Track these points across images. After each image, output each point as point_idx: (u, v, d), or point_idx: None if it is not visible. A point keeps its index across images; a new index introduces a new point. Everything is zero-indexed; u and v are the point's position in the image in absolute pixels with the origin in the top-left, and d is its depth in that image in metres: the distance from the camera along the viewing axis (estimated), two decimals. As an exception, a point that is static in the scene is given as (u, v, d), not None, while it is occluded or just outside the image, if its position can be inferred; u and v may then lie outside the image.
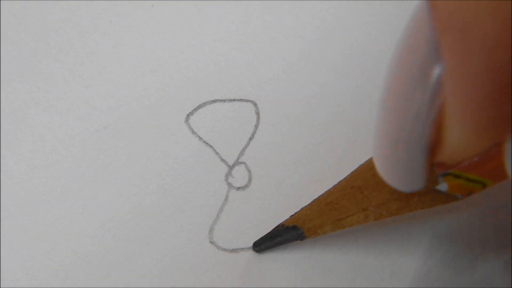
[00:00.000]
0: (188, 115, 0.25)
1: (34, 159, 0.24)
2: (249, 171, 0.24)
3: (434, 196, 0.19)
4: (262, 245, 0.22)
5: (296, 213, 0.22)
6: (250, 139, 0.24)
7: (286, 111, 0.25)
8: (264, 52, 0.26)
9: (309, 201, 0.22)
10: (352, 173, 0.21)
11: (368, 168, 0.20)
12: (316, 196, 0.21)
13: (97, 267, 0.22)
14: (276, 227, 0.22)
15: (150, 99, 0.25)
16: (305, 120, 0.24)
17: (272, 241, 0.22)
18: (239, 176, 0.24)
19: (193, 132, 0.24)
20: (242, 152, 0.24)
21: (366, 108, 0.24)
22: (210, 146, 0.24)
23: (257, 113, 0.25)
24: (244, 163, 0.24)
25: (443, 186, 0.18)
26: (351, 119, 0.24)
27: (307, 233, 0.22)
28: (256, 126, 0.24)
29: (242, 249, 0.22)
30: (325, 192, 0.21)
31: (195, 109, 0.25)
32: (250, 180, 0.24)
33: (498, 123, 0.14)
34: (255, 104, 0.25)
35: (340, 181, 0.21)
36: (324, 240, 0.23)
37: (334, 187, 0.21)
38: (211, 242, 0.23)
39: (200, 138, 0.24)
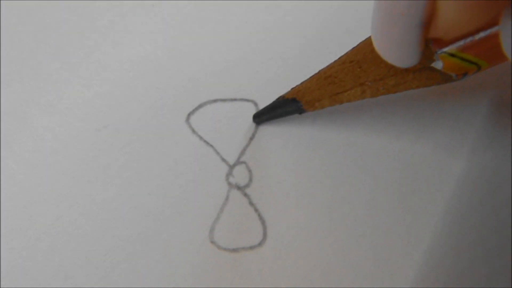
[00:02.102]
0: (189, 115, 0.25)
1: (34, 159, 0.24)
2: (249, 170, 0.24)
3: (429, 74, 0.19)
4: (262, 116, 0.23)
5: (296, 86, 0.22)
6: (251, 138, 0.24)
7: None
8: (264, 52, 0.26)
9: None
10: (352, 48, 0.21)
11: (368, 44, 0.20)
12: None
13: (97, 267, 0.22)
14: (276, 99, 0.23)
15: (150, 99, 0.25)
16: (306, 120, 0.24)
17: (272, 112, 0.23)
18: (239, 175, 0.24)
19: (193, 131, 0.24)
20: (242, 152, 0.24)
21: (365, 106, 0.24)
22: (211, 145, 0.24)
23: (258, 113, 0.25)
24: (244, 162, 0.24)
25: (438, 64, 0.18)
26: (351, 119, 0.24)
27: (306, 106, 0.22)
28: (257, 126, 0.24)
29: (242, 248, 0.22)
30: (325, 66, 0.22)
31: (196, 109, 0.25)
32: (250, 179, 0.24)
33: (489, 1, 0.15)
34: (255, 104, 0.25)
35: (341, 56, 0.22)
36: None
37: (334, 62, 0.22)
38: (212, 242, 0.23)
39: (201, 138, 0.24)
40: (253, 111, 0.25)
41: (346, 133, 0.24)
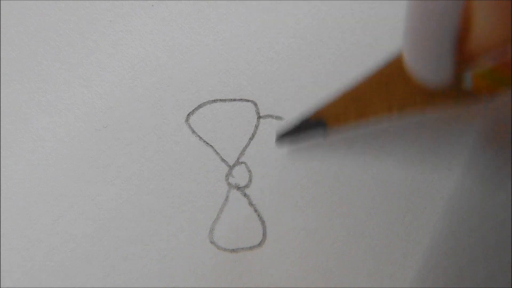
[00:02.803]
0: (189, 115, 0.25)
1: (34, 159, 0.24)
2: (249, 171, 0.24)
3: (458, 95, 0.19)
4: (287, 138, 0.22)
5: (321, 106, 0.22)
6: (251, 139, 0.24)
7: (286, 111, 0.25)
8: (264, 52, 0.26)
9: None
10: (379, 67, 0.21)
11: (394, 63, 0.20)
12: None
13: (97, 267, 0.22)
14: (300, 120, 0.22)
15: (150, 99, 0.25)
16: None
17: (295, 134, 0.22)
18: (239, 176, 0.24)
19: (193, 132, 0.24)
20: (242, 152, 0.24)
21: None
22: (211, 146, 0.24)
23: (257, 113, 0.25)
24: (244, 163, 0.24)
25: (468, 84, 0.18)
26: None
27: (330, 121, 0.22)
28: (257, 126, 0.24)
29: (242, 249, 0.22)
30: (351, 86, 0.21)
31: (196, 109, 0.25)
32: (250, 180, 0.24)
33: None
34: (255, 104, 0.25)
35: (367, 75, 0.21)
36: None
37: (359, 81, 0.21)
38: (212, 242, 0.23)
39: (201, 138, 0.24)
40: (253, 111, 0.25)
41: (346, 133, 0.24)
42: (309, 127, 0.22)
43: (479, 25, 0.15)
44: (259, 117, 0.25)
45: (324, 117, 0.22)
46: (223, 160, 0.24)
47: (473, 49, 0.16)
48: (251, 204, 0.23)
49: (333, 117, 0.22)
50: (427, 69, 0.18)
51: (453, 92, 0.19)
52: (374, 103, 0.21)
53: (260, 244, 0.22)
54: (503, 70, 0.17)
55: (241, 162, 0.24)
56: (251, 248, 0.22)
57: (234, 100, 0.25)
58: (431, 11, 0.15)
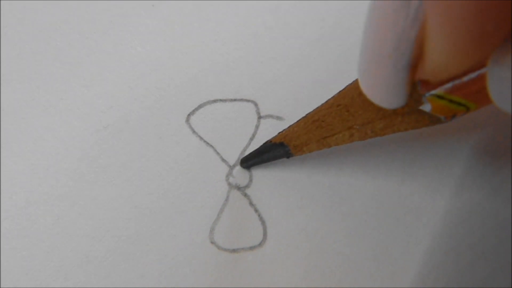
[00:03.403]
0: (189, 115, 0.25)
1: (34, 159, 0.24)
2: (249, 171, 0.24)
3: (418, 117, 0.19)
4: (250, 161, 0.23)
5: (283, 130, 0.22)
6: (251, 139, 0.24)
7: (286, 111, 0.25)
8: (264, 52, 0.26)
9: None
10: (339, 92, 0.21)
11: (355, 87, 0.20)
12: None
13: (97, 267, 0.22)
14: (264, 143, 0.23)
15: (150, 99, 0.25)
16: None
17: (260, 157, 0.23)
18: (239, 176, 0.24)
19: (193, 132, 0.24)
20: (242, 152, 0.24)
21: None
22: (211, 146, 0.24)
23: (258, 113, 0.25)
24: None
25: (426, 107, 0.18)
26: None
27: (294, 150, 0.22)
28: (257, 126, 0.24)
29: (242, 249, 0.22)
30: (313, 110, 0.22)
31: (196, 109, 0.25)
32: (250, 180, 0.24)
33: (477, 43, 0.14)
34: (255, 104, 0.25)
35: (328, 100, 0.21)
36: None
37: (321, 105, 0.21)
38: (212, 242, 0.23)
39: (201, 138, 0.24)
40: (254, 111, 0.25)
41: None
42: (272, 149, 0.23)
43: (432, 56, 0.15)
44: (259, 117, 0.25)
45: (286, 141, 0.22)
46: (223, 160, 0.24)
47: (427, 77, 0.17)
48: (251, 204, 0.23)
49: (295, 141, 0.22)
50: (381, 95, 0.18)
51: (414, 115, 0.19)
52: (335, 127, 0.21)
53: (260, 244, 0.23)
54: (458, 94, 0.17)
55: (242, 162, 0.24)
56: (251, 248, 0.22)
57: (234, 100, 0.25)
58: (385, 41, 0.15)
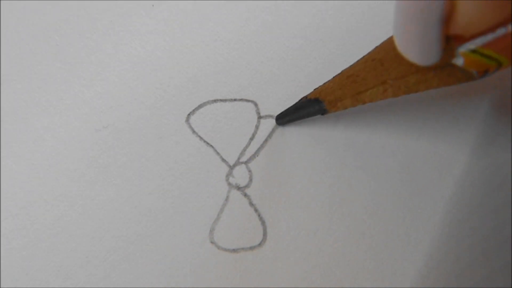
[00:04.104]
0: (189, 115, 0.25)
1: (34, 159, 0.24)
2: (249, 171, 0.24)
3: (450, 72, 0.19)
4: (285, 117, 0.23)
5: (318, 86, 0.22)
6: (251, 139, 0.24)
7: (286, 111, 0.25)
8: (264, 52, 0.26)
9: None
10: (375, 48, 0.21)
11: (390, 42, 0.20)
12: None
13: (97, 267, 0.22)
14: (299, 100, 0.23)
15: (150, 99, 0.25)
16: (306, 121, 0.24)
17: (295, 114, 0.23)
18: (239, 176, 0.24)
19: (193, 132, 0.24)
20: (242, 152, 0.24)
21: (365, 107, 0.24)
22: (211, 146, 0.24)
23: (258, 113, 0.25)
24: (244, 163, 0.24)
25: (459, 61, 0.18)
26: (351, 120, 0.24)
27: (328, 106, 0.22)
28: (257, 126, 0.24)
29: (242, 249, 0.22)
30: (348, 66, 0.22)
31: (196, 109, 0.25)
32: (250, 180, 0.24)
33: None
34: (255, 104, 0.25)
35: (363, 56, 0.21)
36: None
37: (357, 61, 0.22)
38: (212, 242, 0.23)
39: (201, 138, 0.24)
40: (254, 111, 0.25)
41: (346, 133, 0.24)
42: (307, 105, 0.23)
43: (463, 10, 0.16)
44: (259, 117, 0.25)
45: (321, 97, 0.22)
46: (223, 160, 0.24)
47: (459, 31, 0.17)
48: (251, 204, 0.23)
49: (330, 96, 0.22)
50: (416, 51, 0.18)
51: (446, 71, 0.19)
52: (369, 81, 0.21)
53: (260, 244, 0.23)
54: (491, 48, 0.17)
55: (242, 162, 0.24)
56: (251, 248, 0.22)
57: (235, 100, 0.25)
58: None
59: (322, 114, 0.22)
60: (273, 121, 0.24)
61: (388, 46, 0.20)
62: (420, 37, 0.17)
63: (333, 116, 0.24)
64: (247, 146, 0.24)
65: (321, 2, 0.27)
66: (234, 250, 0.22)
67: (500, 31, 0.16)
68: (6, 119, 0.25)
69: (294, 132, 0.24)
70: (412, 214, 0.23)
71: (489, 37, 0.17)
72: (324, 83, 0.22)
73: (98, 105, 0.25)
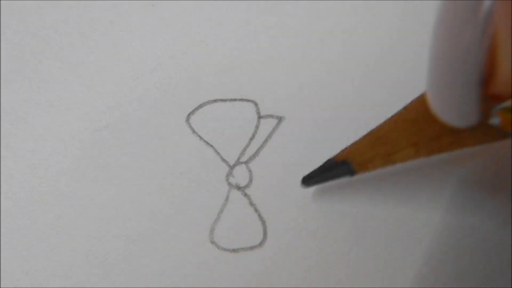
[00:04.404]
0: (189, 115, 0.25)
1: (34, 159, 0.24)
2: (249, 171, 0.24)
3: (486, 131, 0.19)
4: (312, 180, 0.22)
5: (345, 147, 0.21)
6: (251, 139, 0.24)
7: (286, 111, 0.25)
8: (264, 52, 0.26)
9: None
10: (404, 107, 0.20)
11: (420, 102, 0.19)
12: None
13: (97, 267, 0.22)
14: (326, 161, 0.22)
15: (150, 99, 0.25)
16: (306, 121, 0.24)
17: (321, 176, 0.22)
18: (240, 176, 0.24)
19: (193, 132, 0.24)
20: (243, 152, 0.24)
21: (366, 108, 0.24)
22: (211, 146, 0.24)
23: (258, 113, 0.25)
24: (245, 163, 0.24)
25: (495, 120, 0.18)
26: (351, 120, 0.24)
27: (357, 167, 0.21)
28: (257, 126, 0.24)
29: (242, 249, 0.22)
30: (377, 126, 0.21)
31: (196, 109, 0.25)
32: (250, 180, 0.24)
33: None
34: (255, 104, 0.25)
35: (392, 115, 0.21)
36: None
37: (386, 121, 0.21)
38: (212, 242, 0.23)
39: (201, 138, 0.24)
40: (253, 111, 0.25)
41: (347, 135, 0.24)
42: (335, 167, 0.22)
43: (505, 67, 0.15)
44: (259, 117, 0.25)
45: (349, 158, 0.21)
46: (223, 160, 0.24)
47: (498, 92, 0.16)
48: (251, 204, 0.23)
49: (359, 157, 0.21)
50: (452, 112, 0.17)
51: (481, 130, 0.19)
52: (400, 143, 0.20)
53: (260, 244, 0.23)
54: None
55: (242, 162, 0.24)
56: (251, 248, 0.22)
57: (235, 100, 0.25)
58: (454, 55, 0.15)
59: (351, 175, 0.21)
60: (273, 121, 0.24)
61: (419, 106, 0.20)
62: (457, 99, 0.16)
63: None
64: (247, 146, 0.24)
65: (321, 2, 0.27)
66: (234, 250, 0.22)
67: None
68: (6, 119, 0.25)
69: (294, 132, 0.24)
70: (412, 214, 0.23)
71: None
72: (352, 144, 0.21)
73: (98, 105, 0.25)
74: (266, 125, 0.24)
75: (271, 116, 0.25)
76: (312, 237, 0.22)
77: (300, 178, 0.22)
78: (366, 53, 0.26)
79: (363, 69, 0.25)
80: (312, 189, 0.23)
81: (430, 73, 0.17)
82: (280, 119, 0.25)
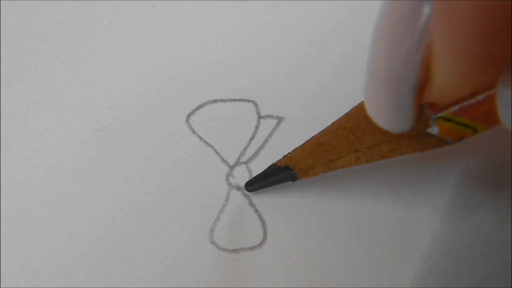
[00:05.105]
0: (189, 115, 0.25)
1: (34, 159, 0.24)
2: (249, 171, 0.24)
3: (425, 140, 0.19)
4: (255, 184, 0.23)
5: (288, 153, 0.22)
6: (251, 139, 0.24)
7: (286, 111, 0.25)
8: (264, 52, 0.26)
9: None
10: (345, 114, 0.21)
11: (360, 109, 0.20)
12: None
13: (97, 267, 0.22)
14: (269, 167, 0.23)
15: (150, 99, 0.25)
16: (306, 121, 0.24)
17: (264, 180, 0.23)
18: (239, 176, 0.24)
19: (193, 132, 0.24)
20: (242, 153, 0.24)
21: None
22: (211, 146, 0.24)
23: (258, 113, 0.25)
24: (245, 163, 0.24)
25: (434, 129, 0.18)
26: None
27: (299, 173, 0.22)
28: (257, 126, 0.24)
29: (242, 249, 0.22)
30: (318, 133, 0.21)
31: (196, 109, 0.25)
32: (250, 180, 0.24)
33: (485, 65, 0.14)
34: (255, 104, 0.25)
35: (333, 123, 0.21)
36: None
37: (327, 128, 0.21)
38: (212, 243, 0.23)
39: (201, 138, 0.24)
40: (254, 111, 0.25)
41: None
42: (277, 173, 0.22)
43: (439, 78, 0.15)
44: (259, 117, 0.25)
45: (292, 164, 0.22)
46: (223, 160, 0.24)
47: (434, 100, 0.16)
48: (251, 204, 0.23)
49: (300, 164, 0.22)
50: (388, 119, 0.17)
51: (420, 138, 0.19)
52: (341, 150, 0.21)
53: (260, 244, 0.23)
54: (465, 116, 0.17)
55: (242, 162, 0.24)
56: (251, 248, 0.22)
57: (234, 100, 0.25)
58: (391, 63, 0.15)
59: (293, 180, 0.22)
60: (273, 121, 0.24)
61: (359, 114, 0.20)
62: (393, 105, 0.16)
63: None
64: (247, 146, 0.24)
65: (321, 2, 0.27)
66: (234, 250, 0.22)
67: (476, 99, 0.16)
68: (6, 119, 0.25)
69: (294, 133, 0.24)
70: (412, 214, 0.23)
71: (464, 104, 0.16)
72: (294, 150, 0.22)
73: (98, 105, 0.25)
74: (266, 125, 0.24)
75: (271, 116, 0.25)
76: (312, 237, 0.22)
77: (302, 183, 0.22)
78: (366, 53, 0.26)
79: (363, 69, 0.25)
80: (313, 189, 0.23)
81: (366, 80, 0.17)
82: (280, 119, 0.25)
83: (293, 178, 0.22)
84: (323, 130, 0.21)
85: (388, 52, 0.15)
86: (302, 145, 0.22)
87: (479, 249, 0.22)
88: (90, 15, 0.27)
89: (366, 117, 0.19)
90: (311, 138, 0.22)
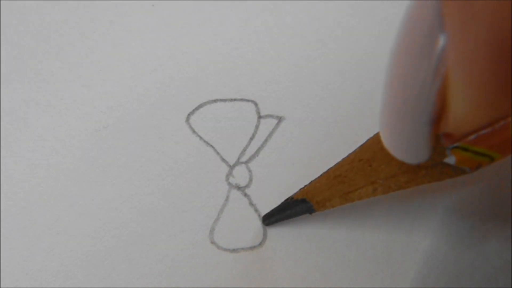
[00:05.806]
0: (189, 115, 0.25)
1: (34, 159, 0.24)
2: (249, 171, 0.24)
3: (442, 169, 0.19)
4: (272, 218, 0.22)
5: (305, 186, 0.22)
6: (251, 139, 0.24)
7: (286, 111, 0.25)
8: (264, 52, 0.26)
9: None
10: (361, 146, 0.21)
11: (377, 141, 0.20)
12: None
13: (97, 267, 0.22)
14: (286, 200, 0.22)
15: (150, 99, 0.25)
16: (306, 121, 0.24)
17: (281, 214, 0.22)
18: (239, 176, 0.24)
19: (193, 132, 0.24)
20: (242, 152, 0.24)
21: (367, 108, 0.24)
22: (211, 146, 0.24)
23: (258, 113, 0.25)
24: (244, 163, 0.24)
25: (451, 159, 0.18)
26: (351, 120, 0.24)
27: (316, 206, 0.22)
28: (257, 126, 0.24)
29: (242, 249, 0.22)
30: (334, 165, 0.21)
31: (196, 109, 0.25)
32: (250, 180, 0.24)
33: (502, 93, 0.14)
34: (255, 104, 0.25)
35: (349, 154, 0.21)
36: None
37: (343, 160, 0.21)
38: (212, 242, 0.23)
39: (201, 138, 0.24)
40: (253, 111, 0.25)
41: (347, 135, 0.24)
42: (294, 205, 0.22)
43: (456, 108, 0.15)
44: (259, 117, 0.25)
45: (308, 197, 0.22)
46: (223, 160, 0.24)
47: (451, 130, 0.16)
48: (251, 204, 0.23)
49: (317, 196, 0.22)
50: (404, 150, 0.17)
51: (438, 168, 0.19)
52: (357, 182, 0.21)
53: (260, 244, 0.23)
54: (483, 145, 0.16)
55: (242, 162, 0.24)
56: (251, 248, 0.22)
57: (235, 100, 0.25)
58: (407, 94, 0.15)
59: (310, 213, 0.22)
60: (273, 121, 0.24)
61: (375, 145, 0.20)
62: (409, 137, 0.16)
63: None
64: (247, 146, 0.24)
65: (321, 2, 0.27)
66: (234, 250, 0.22)
67: (492, 128, 0.16)
68: (6, 119, 0.25)
69: (294, 134, 0.24)
70: (412, 214, 0.23)
71: (481, 133, 0.16)
72: (310, 182, 0.22)
73: (98, 105, 0.25)
74: (266, 125, 0.24)
75: (271, 116, 0.25)
76: (312, 237, 0.22)
77: (300, 178, 0.22)
78: (366, 53, 0.26)
79: (363, 69, 0.25)
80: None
81: (382, 111, 0.17)
82: (280, 119, 0.25)
83: (310, 211, 0.22)
84: (339, 162, 0.21)
85: (403, 82, 0.15)
86: (319, 177, 0.22)
87: (479, 249, 0.22)
88: (90, 15, 0.27)
89: (382, 148, 0.18)
90: (328, 170, 0.21)
